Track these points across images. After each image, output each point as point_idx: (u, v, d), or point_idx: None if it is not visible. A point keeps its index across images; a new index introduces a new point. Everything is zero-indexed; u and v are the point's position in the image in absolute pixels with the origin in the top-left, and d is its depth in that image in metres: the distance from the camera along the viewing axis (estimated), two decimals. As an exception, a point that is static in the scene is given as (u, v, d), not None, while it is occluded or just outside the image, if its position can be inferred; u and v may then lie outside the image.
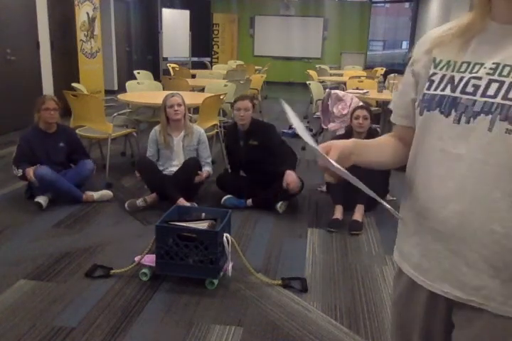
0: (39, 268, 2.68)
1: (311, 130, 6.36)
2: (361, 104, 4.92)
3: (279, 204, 3.64)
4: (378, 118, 5.66)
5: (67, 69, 7.35)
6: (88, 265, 2.71)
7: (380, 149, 1.11)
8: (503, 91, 0.86)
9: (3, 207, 3.61)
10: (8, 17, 6.07)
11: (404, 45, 16.02)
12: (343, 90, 5.73)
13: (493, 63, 0.89)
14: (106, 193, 3.76)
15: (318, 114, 5.52)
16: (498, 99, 0.86)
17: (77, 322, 2.19)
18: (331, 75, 8.89)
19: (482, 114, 0.87)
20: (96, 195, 3.71)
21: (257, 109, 3.93)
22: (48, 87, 6.97)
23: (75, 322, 2.18)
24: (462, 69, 0.93)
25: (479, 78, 0.90)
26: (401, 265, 1.07)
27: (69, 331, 2.12)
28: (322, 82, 7.53)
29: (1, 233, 3.13)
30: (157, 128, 3.82)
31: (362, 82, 6.48)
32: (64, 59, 7.37)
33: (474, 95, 0.89)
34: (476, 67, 0.91)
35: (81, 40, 7.46)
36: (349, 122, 3.88)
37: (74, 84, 5.08)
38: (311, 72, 8.03)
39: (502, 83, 0.87)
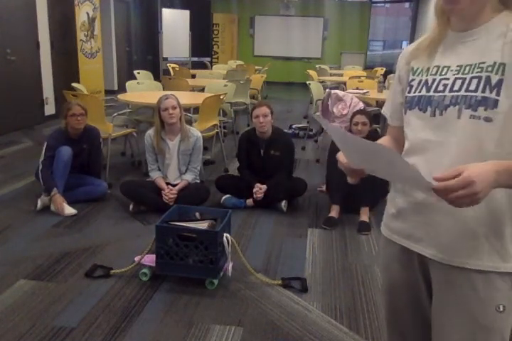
0: (39, 268, 2.68)
1: (311, 130, 6.37)
2: (361, 104, 4.92)
3: (283, 203, 3.66)
4: (378, 118, 5.66)
5: (67, 69, 7.35)
6: (88, 265, 2.71)
7: None
8: (465, 85, 1.05)
9: (3, 207, 3.61)
10: (8, 17, 6.07)
11: (404, 45, 16.03)
12: (343, 90, 5.73)
13: (457, 65, 1.09)
14: (69, 210, 3.47)
15: (318, 113, 5.52)
16: (462, 92, 1.05)
17: (77, 322, 2.19)
18: (331, 75, 8.88)
19: (451, 106, 1.07)
20: (61, 208, 3.45)
21: (276, 114, 3.86)
22: (48, 87, 6.98)
23: (75, 322, 2.18)
24: (433, 72, 1.13)
25: (447, 79, 1.10)
26: (391, 237, 1.24)
27: (69, 331, 2.12)
28: (322, 82, 7.52)
29: (1, 233, 3.13)
30: (150, 132, 3.65)
31: (362, 82, 6.48)
32: (64, 59, 7.37)
33: (444, 92, 1.09)
34: (444, 70, 1.11)
35: (81, 40, 7.46)
36: (349, 124, 3.88)
37: (74, 84, 5.08)
38: (311, 72, 8.03)
39: (464, 79, 1.06)
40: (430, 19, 10.83)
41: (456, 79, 1.08)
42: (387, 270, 1.30)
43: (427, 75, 1.14)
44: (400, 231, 1.20)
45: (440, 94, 1.09)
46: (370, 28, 14.17)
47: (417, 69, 1.17)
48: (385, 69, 9.26)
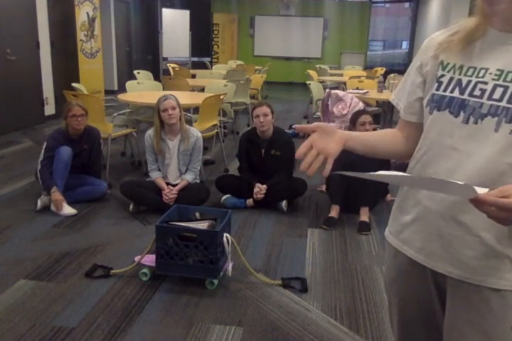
0: (39, 268, 2.68)
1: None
2: (361, 104, 4.92)
3: (283, 203, 3.66)
4: (378, 118, 5.66)
5: (67, 69, 7.35)
6: (88, 265, 2.71)
7: (378, 137, 1.23)
8: (507, 96, 0.95)
9: (3, 207, 3.61)
10: (8, 17, 6.07)
11: (404, 45, 16.04)
12: (343, 90, 5.73)
13: (498, 70, 0.98)
14: (69, 210, 3.48)
15: (318, 114, 5.51)
16: (504, 103, 0.95)
17: (77, 322, 2.19)
18: (331, 75, 8.88)
19: (489, 116, 0.96)
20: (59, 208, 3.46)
21: (276, 114, 3.87)
22: (47, 87, 6.97)
23: (75, 322, 2.18)
24: (469, 74, 1.02)
25: (485, 83, 0.98)
26: (401, 249, 1.16)
27: (69, 331, 2.12)
28: (322, 82, 7.52)
29: (1, 233, 3.13)
30: (150, 132, 3.64)
31: (362, 82, 6.48)
32: (64, 59, 7.37)
33: (481, 98, 0.98)
34: (482, 72, 1.00)
35: (81, 40, 7.47)
36: (350, 124, 3.88)
37: (74, 84, 5.08)
38: (311, 72, 8.03)
39: (506, 88, 0.95)
40: (430, 19, 10.84)
41: (496, 85, 0.97)
42: (396, 283, 1.23)
43: (459, 74, 1.03)
44: (411, 242, 1.12)
45: (477, 99, 0.98)
46: (370, 28, 14.18)
47: (448, 64, 1.05)
48: (385, 69, 9.26)
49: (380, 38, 21.33)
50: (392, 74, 6.48)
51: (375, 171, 0.93)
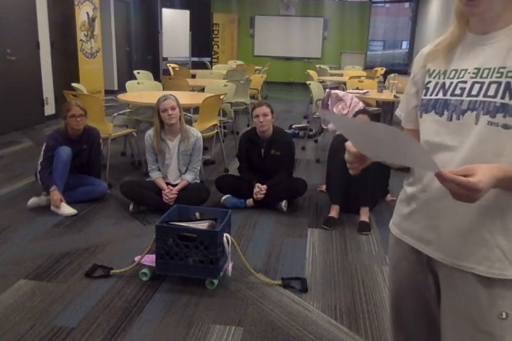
0: (39, 268, 2.68)
1: (311, 130, 6.37)
2: (361, 104, 4.92)
3: (283, 203, 3.66)
4: (378, 118, 5.65)
5: (67, 69, 7.36)
6: (88, 265, 2.71)
7: None
8: (483, 90, 1.03)
9: (3, 207, 3.61)
10: (8, 17, 6.07)
11: (404, 45, 16.04)
12: (343, 90, 5.73)
13: (475, 68, 1.07)
14: (69, 210, 3.49)
15: (318, 114, 5.51)
16: (480, 97, 1.03)
17: (77, 322, 2.19)
18: (331, 75, 8.88)
19: (469, 111, 1.05)
20: (57, 208, 3.47)
21: (276, 114, 3.87)
22: (47, 87, 6.98)
23: (75, 322, 2.18)
24: (451, 76, 1.11)
25: (465, 82, 1.08)
26: (402, 237, 1.24)
27: (69, 331, 2.12)
28: (322, 82, 7.52)
29: (1, 233, 3.13)
30: (150, 132, 3.65)
31: (362, 82, 6.47)
32: (64, 59, 7.37)
33: (461, 96, 1.07)
34: (462, 73, 1.09)
35: (81, 40, 7.47)
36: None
37: (74, 84, 5.08)
38: (311, 72, 8.03)
39: (482, 84, 1.04)
40: (430, 19, 10.83)
41: (474, 83, 1.05)
42: (395, 269, 1.29)
43: (444, 78, 1.12)
44: (411, 232, 1.20)
45: (457, 98, 1.07)
46: (370, 28, 14.18)
47: (434, 71, 1.15)
48: (385, 69, 9.25)
49: (380, 38, 21.34)
50: (392, 74, 6.47)
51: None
